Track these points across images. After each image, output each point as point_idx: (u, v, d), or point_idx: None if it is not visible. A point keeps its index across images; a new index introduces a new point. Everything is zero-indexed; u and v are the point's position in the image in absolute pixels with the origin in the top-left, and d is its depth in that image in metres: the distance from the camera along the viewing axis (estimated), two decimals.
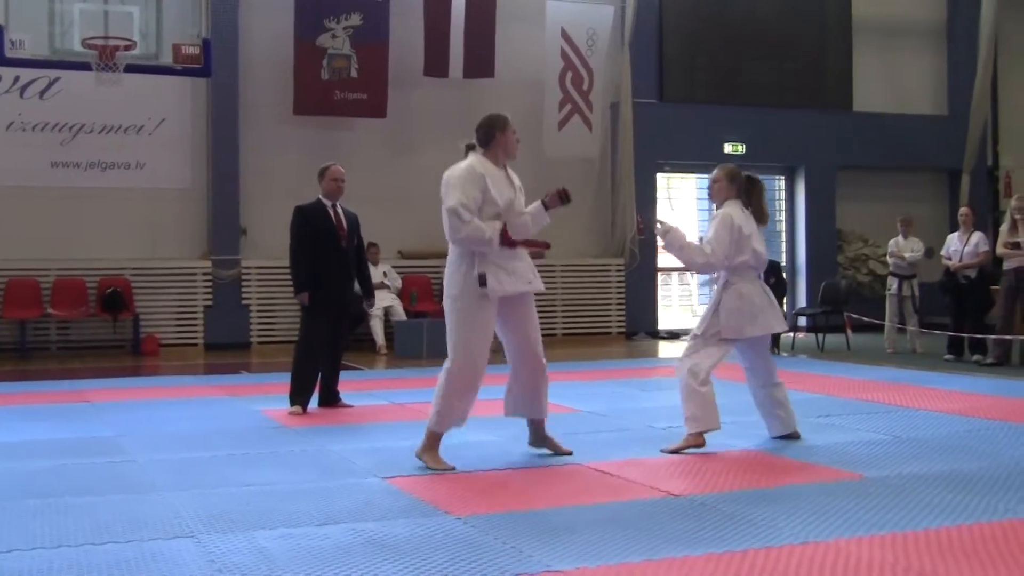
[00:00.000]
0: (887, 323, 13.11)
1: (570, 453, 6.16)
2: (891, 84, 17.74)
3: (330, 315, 8.10)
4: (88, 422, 7.72)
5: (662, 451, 6.27)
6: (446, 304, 5.92)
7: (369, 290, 8.55)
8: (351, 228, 8.18)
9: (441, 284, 6.12)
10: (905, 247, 13.06)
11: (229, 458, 6.24)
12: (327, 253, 8.02)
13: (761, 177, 6.73)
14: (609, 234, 16.06)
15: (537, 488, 5.29)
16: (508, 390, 6.18)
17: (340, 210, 8.14)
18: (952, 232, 12.60)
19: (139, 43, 11.23)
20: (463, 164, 5.92)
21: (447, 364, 5.86)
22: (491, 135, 5.97)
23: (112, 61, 10.97)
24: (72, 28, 11.13)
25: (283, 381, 10.32)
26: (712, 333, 6.38)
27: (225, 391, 9.56)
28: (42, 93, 13.52)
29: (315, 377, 8.15)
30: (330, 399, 8.32)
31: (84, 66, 11.13)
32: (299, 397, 8.03)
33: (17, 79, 13.34)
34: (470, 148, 6.03)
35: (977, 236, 11.90)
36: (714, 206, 6.67)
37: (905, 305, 12.99)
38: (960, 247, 11.98)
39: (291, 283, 8.18)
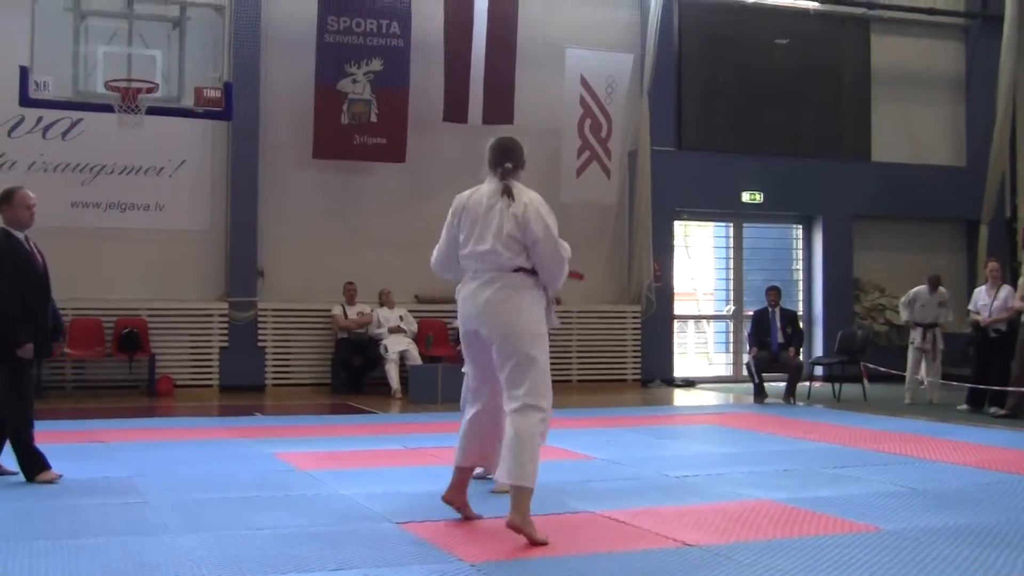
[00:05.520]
0: (908, 374, 13.05)
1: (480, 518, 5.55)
2: (909, 134, 17.76)
3: (35, 364, 7.01)
4: (102, 462, 7.72)
5: None
6: (536, 344, 5.20)
7: (60, 329, 7.28)
8: (45, 261, 7.05)
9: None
10: (931, 303, 13.00)
11: (242, 500, 6.22)
12: (33, 294, 6.83)
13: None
14: (626, 281, 16.04)
15: (551, 536, 5.25)
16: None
17: (32, 242, 6.98)
18: (976, 284, 12.53)
19: (161, 86, 11.29)
20: (538, 195, 5.43)
21: (544, 415, 5.17)
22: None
23: (134, 103, 11.04)
24: (96, 70, 11.20)
25: (298, 424, 10.35)
26: None
27: (239, 433, 9.54)
28: (64, 134, 13.65)
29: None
30: None
31: (106, 108, 11.21)
32: (41, 463, 6.84)
33: (40, 120, 13.46)
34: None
35: (1006, 290, 11.88)
36: None
37: (927, 356, 12.97)
38: (989, 301, 11.97)
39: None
